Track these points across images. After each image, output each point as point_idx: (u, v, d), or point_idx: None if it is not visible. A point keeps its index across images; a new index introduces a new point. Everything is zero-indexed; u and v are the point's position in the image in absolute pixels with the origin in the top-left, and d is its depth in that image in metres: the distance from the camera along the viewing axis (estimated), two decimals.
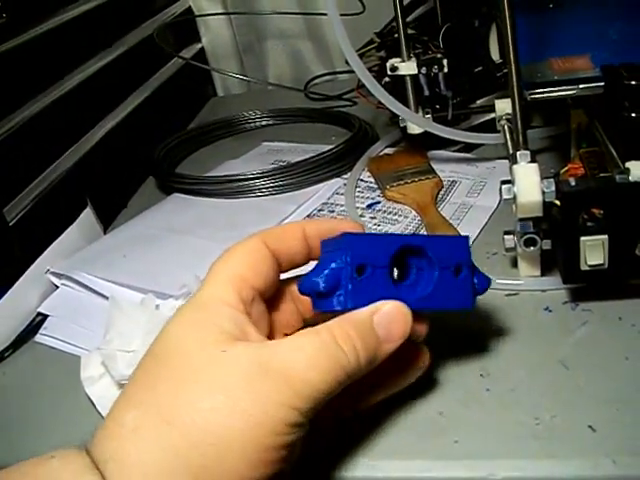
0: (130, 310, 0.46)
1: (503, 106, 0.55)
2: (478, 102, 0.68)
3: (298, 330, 0.36)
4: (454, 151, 0.68)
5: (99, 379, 0.43)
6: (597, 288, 0.44)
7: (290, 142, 0.78)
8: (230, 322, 0.32)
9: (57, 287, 0.55)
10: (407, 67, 0.63)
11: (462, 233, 0.53)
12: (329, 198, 0.64)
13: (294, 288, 0.38)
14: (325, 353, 0.31)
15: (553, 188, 0.41)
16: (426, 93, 0.66)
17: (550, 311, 0.44)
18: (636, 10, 0.57)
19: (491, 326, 0.44)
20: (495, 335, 0.43)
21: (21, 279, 0.52)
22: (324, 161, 0.68)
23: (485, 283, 0.37)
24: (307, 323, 0.38)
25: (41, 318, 0.53)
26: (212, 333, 0.31)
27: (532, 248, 0.44)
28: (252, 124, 0.86)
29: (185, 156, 0.80)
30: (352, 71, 0.59)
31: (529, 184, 0.42)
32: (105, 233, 0.64)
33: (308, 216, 0.61)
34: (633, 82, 0.46)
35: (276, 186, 0.66)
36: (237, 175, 0.67)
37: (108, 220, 0.67)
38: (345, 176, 0.67)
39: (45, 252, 0.55)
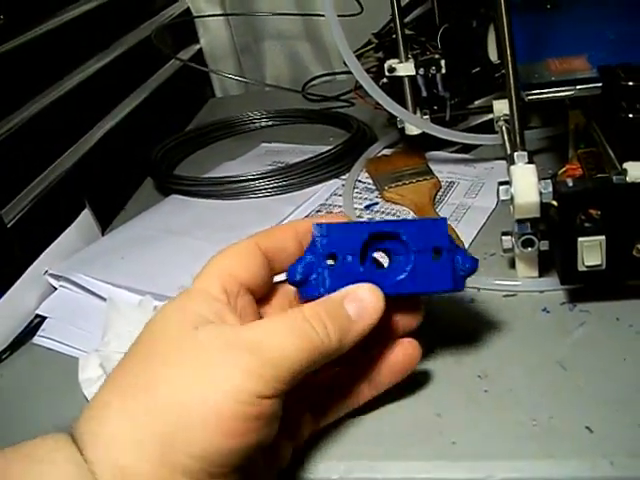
0: (128, 312, 0.46)
1: (501, 107, 0.55)
2: (476, 103, 0.68)
3: None
4: (452, 152, 0.68)
5: (97, 381, 0.43)
6: (595, 289, 0.44)
7: (288, 143, 0.78)
8: (208, 309, 0.33)
9: (55, 289, 0.55)
10: (405, 68, 0.63)
11: (460, 234, 0.53)
12: (327, 199, 0.64)
13: (290, 289, 0.38)
14: (294, 328, 0.32)
15: (550, 189, 0.41)
16: (424, 94, 0.66)
17: (548, 312, 0.44)
18: (633, 10, 0.57)
19: (489, 327, 0.44)
20: (493, 336, 0.43)
21: (19, 281, 0.52)
22: (322, 162, 0.68)
23: (471, 263, 0.37)
24: None
25: (39, 320, 0.53)
26: (189, 316, 0.32)
27: (530, 249, 0.44)
28: (250, 125, 0.86)
29: (183, 157, 0.80)
30: (350, 72, 0.59)
31: (527, 185, 0.42)
32: (103, 235, 0.64)
33: (306, 217, 0.61)
34: (630, 83, 0.46)
35: (274, 187, 0.66)
36: (235, 176, 0.67)
37: (106, 221, 0.67)
38: (343, 177, 0.67)
39: (43, 254, 0.55)
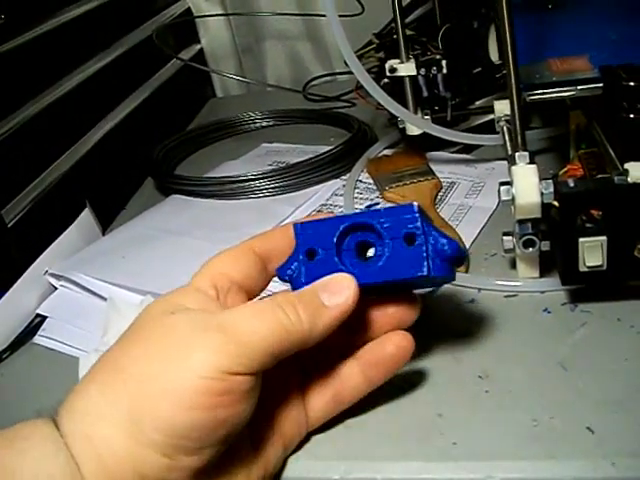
0: (128, 311, 0.46)
1: (502, 107, 0.55)
2: (477, 103, 0.68)
3: None
4: (453, 152, 0.68)
5: None
6: (596, 289, 0.44)
7: (289, 143, 0.78)
8: (193, 300, 0.34)
9: (56, 288, 0.55)
10: (406, 68, 0.63)
11: (461, 234, 0.53)
12: (328, 199, 0.64)
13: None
14: (265, 311, 0.32)
15: (552, 189, 0.41)
16: (425, 94, 0.66)
17: (549, 312, 0.44)
18: (635, 11, 0.57)
19: (490, 327, 0.44)
20: (494, 336, 0.43)
21: (20, 280, 0.52)
22: (323, 162, 0.68)
23: (451, 246, 0.35)
24: None
25: (40, 319, 0.53)
26: (171, 306, 0.34)
27: (531, 249, 0.44)
28: (251, 125, 0.86)
29: (184, 157, 0.80)
30: (351, 72, 0.59)
31: (528, 185, 0.42)
32: (104, 234, 0.64)
33: (307, 217, 0.61)
34: (632, 83, 0.46)
35: (275, 187, 0.66)
36: (236, 176, 0.67)
37: (107, 221, 0.67)
38: (344, 177, 0.67)
39: (44, 253, 0.55)
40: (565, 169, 0.53)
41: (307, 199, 0.64)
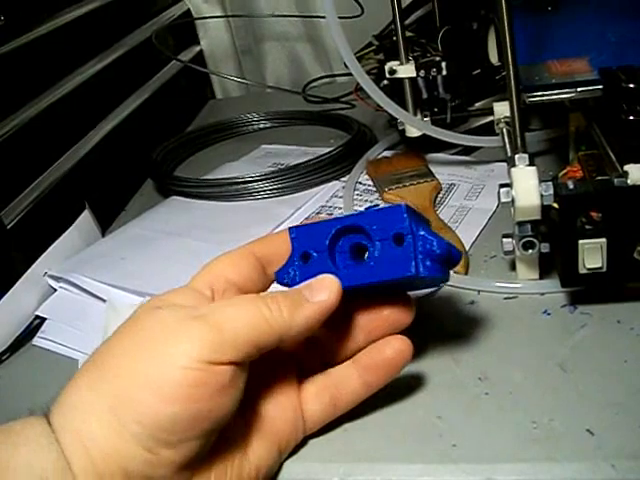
0: (127, 313, 0.46)
1: (501, 109, 0.55)
2: (476, 105, 0.68)
3: None
4: (452, 154, 0.68)
5: None
6: (596, 291, 0.44)
7: (288, 145, 0.78)
8: (186, 298, 0.34)
9: (55, 290, 0.55)
10: (405, 70, 0.63)
11: (460, 236, 0.53)
12: (327, 201, 0.64)
13: None
14: (248, 302, 0.33)
15: (551, 191, 0.41)
16: (424, 96, 0.66)
17: (549, 314, 0.44)
18: (634, 13, 0.57)
19: (489, 329, 0.44)
20: (493, 338, 0.43)
21: (19, 282, 0.52)
22: (322, 164, 0.68)
23: (441, 246, 0.35)
24: None
25: (39, 321, 0.53)
26: (162, 302, 0.34)
27: (530, 251, 0.44)
28: (250, 127, 0.86)
29: (183, 159, 0.80)
30: (350, 74, 0.59)
31: (527, 187, 0.42)
32: (103, 236, 0.64)
33: (306, 219, 0.61)
34: (631, 85, 0.46)
35: (274, 189, 0.66)
36: (235, 178, 0.67)
37: (106, 223, 0.67)
38: (343, 179, 0.67)
39: (43, 255, 0.55)
40: (565, 171, 0.53)
41: (307, 201, 0.64)
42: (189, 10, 1.01)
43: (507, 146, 0.50)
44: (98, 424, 0.30)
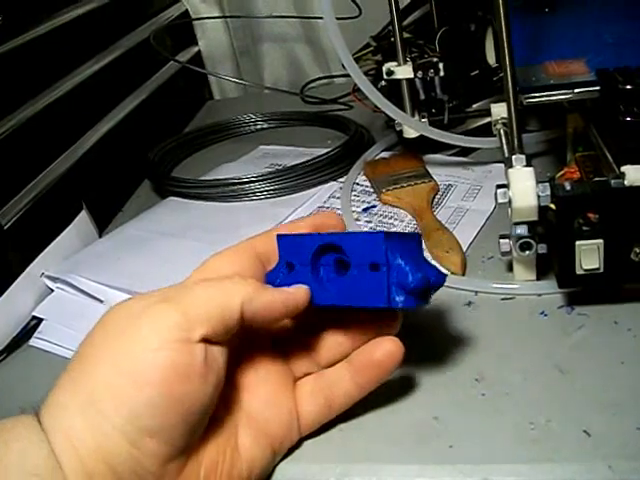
0: None
1: (499, 110, 0.55)
2: (474, 106, 0.68)
3: None
4: (450, 155, 0.68)
5: None
6: (593, 292, 0.44)
7: (286, 145, 0.78)
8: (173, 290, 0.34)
9: (52, 291, 0.54)
10: (403, 71, 0.63)
11: (458, 237, 0.53)
12: (325, 202, 0.64)
13: None
14: (211, 281, 0.34)
15: (548, 192, 0.41)
16: (422, 97, 0.66)
17: (546, 315, 0.44)
18: (631, 14, 0.57)
19: (486, 330, 0.44)
20: (490, 339, 0.43)
21: (16, 283, 0.52)
22: (320, 165, 0.68)
23: (416, 281, 0.34)
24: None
25: (36, 322, 0.53)
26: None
27: (527, 252, 0.44)
28: (248, 127, 0.86)
29: (181, 159, 0.80)
30: (348, 75, 0.59)
31: (524, 188, 0.42)
32: (100, 236, 0.64)
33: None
34: (628, 86, 0.46)
35: (272, 189, 0.66)
36: (233, 179, 0.67)
37: (103, 223, 0.67)
38: (341, 180, 0.67)
39: (40, 255, 0.55)
40: (562, 172, 0.53)
41: (304, 202, 0.64)
42: (187, 11, 1.01)
43: (504, 147, 0.50)
44: (82, 420, 0.30)
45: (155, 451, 0.30)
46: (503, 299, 0.47)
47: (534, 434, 0.36)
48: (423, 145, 0.66)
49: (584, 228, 0.40)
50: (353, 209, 0.61)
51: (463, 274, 0.50)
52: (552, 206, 0.41)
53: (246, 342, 0.37)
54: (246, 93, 1.06)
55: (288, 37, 1.02)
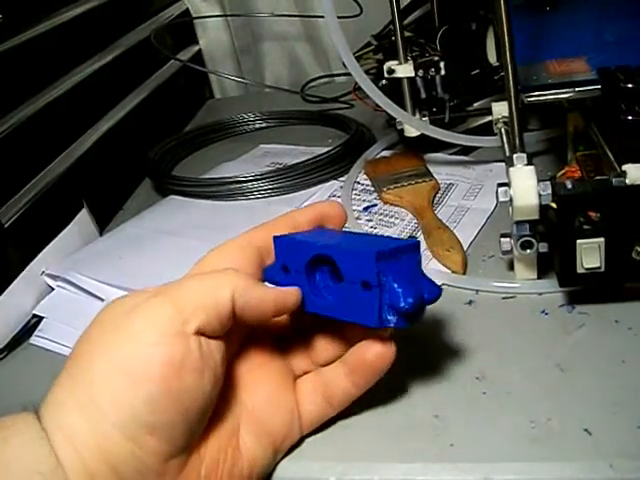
0: None
1: (500, 109, 0.55)
2: (475, 105, 0.68)
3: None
4: (451, 154, 0.68)
5: None
6: (594, 291, 0.44)
7: (287, 144, 0.78)
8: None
9: (52, 289, 0.54)
10: (404, 70, 0.63)
11: (459, 236, 0.53)
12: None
13: None
14: (204, 274, 0.34)
15: (549, 191, 0.41)
16: (423, 96, 0.66)
17: (547, 314, 0.44)
18: (632, 13, 0.57)
19: (487, 329, 0.44)
20: (491, 338, 0.43)
21: (16, 281, 0.52)
22: (321, 163, 0.68)
23: (408, 304, 0.33)
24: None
25: (36, 320, 0.53)
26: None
27: (528, 251, 0.44)
28: (249, 126, 0.86)
29: (182, 158, 0.80)
30: (349, 73, 0.59)
31: (525, 187, 0.42)
32: (101, 235, 0.64)
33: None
34: (629, 85, 0.46)
35: (272, 188, 0.66)
36: (233, 177, 0.67)
37: (104, 222, 0.67)
38: (342, 179, 0.67)
39: (41, 254, 0.55)
40: (563, 171, 0.53)
41: (305, 200, 0.64)
42: (188, 9, 1.01)
43: (505, 146, 0.50)
44: (82, 419, 0.30)
45: (155, 449, 0.30)
46: (504, 298, 0.47)
47: (535, 433, 0.36)
48: (424, 144, 0.66)
49: (585, 227, 0.40)
50: (354, 208, 0.61)
51: (464, 273, 0.50)
52: (553, 205, 0.41)
53: (246, 341, 0.37)
54: (247, 92, 1.06)
55: (289, 36, 1.02)
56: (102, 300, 0.50)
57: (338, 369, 0.37)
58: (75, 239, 0.59)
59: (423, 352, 0.42)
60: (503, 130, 0.53)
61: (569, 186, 0.41)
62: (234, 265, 0.36)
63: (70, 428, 0.30)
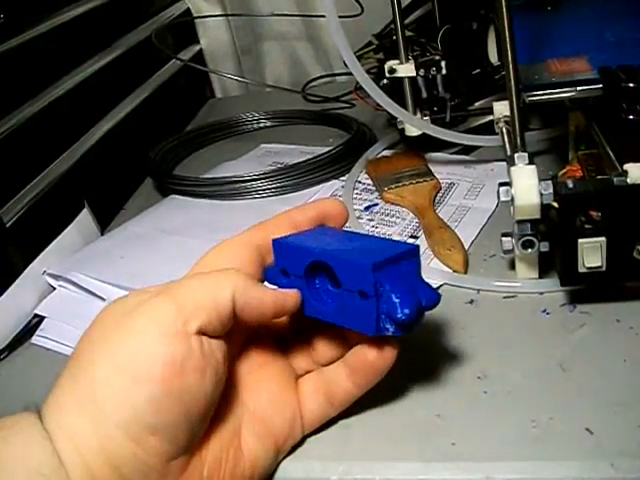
0: None
1: (501, 108, 0.55)
2: (476, 104, 0.68)
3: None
4: (452, 153, 0.68)
5: None
6: (595, 290, 0.44)
7: (288, 144, 0.78)
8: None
9: (54, 288, 0.54)
10: (405, 69, 0.63)
11: (460, 235, 0.53)
12: None
13: None
14: (204, 274, 0.34)
15: (551, 190, 0.41)
16: (424, 95, 0.66)
17: (548, 313, 0.44)
18: (633, 12, 0.57)
19: (489, 328, 0.44)
20: (493, 337, 0.43)
21: (18, 281, 0.52)
22: (322, 163, 0.68)
23: (406, 315, 0.33)
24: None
25: (38, 320, 0.53)
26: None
27: (530, 250, 0.44)
28: (250, 126, 0.86)
29: (183, 158, 0.80)
30: (350, 73, 0.59)
31: (527, 186, 0.42)
32: (102, 234, 0.64)
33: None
34: (631, 84, 0.46)
35: (274, 188, 0.66)
36: (234, 177, 0.67)
37: (105, 221, 0.67)
38: (343, 178, 0.67)
39: (42, 253, 0.55)
40: (564, 170, 0.53)
41: (306, 200, 0.64)
42: (189, 9, 1.01)
43: (507, 145, 0.50)
44: (84, 420, 0.29)
45: (158, 449, 0.30)
46: (505, 297, 0.47)
47: (536, 432, 0.36)
48: (425, 143, 0.66)
49: (586, 226, 0.40)
50: (355, 207, 0.61)
51: (465, 272, 0.50)
52: (554, 204, 0.41)
53: (248, 342, 0.37)
54: (248, 91, 1.06)
55: (290, 35, 1.02)
56: (103, 300, 0.50)
57: (339, 369, 0.37)
58: (76, 239, 0.59)
59: (424, 352, 0.42)
60: (504, 129, 0.53)
61: (570, 185, 0.41)
62: (234, 264, 0.35)
63: (72, 429, 0.29)
